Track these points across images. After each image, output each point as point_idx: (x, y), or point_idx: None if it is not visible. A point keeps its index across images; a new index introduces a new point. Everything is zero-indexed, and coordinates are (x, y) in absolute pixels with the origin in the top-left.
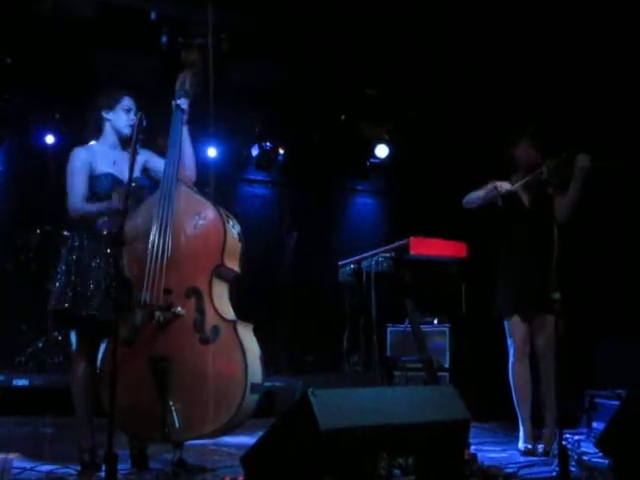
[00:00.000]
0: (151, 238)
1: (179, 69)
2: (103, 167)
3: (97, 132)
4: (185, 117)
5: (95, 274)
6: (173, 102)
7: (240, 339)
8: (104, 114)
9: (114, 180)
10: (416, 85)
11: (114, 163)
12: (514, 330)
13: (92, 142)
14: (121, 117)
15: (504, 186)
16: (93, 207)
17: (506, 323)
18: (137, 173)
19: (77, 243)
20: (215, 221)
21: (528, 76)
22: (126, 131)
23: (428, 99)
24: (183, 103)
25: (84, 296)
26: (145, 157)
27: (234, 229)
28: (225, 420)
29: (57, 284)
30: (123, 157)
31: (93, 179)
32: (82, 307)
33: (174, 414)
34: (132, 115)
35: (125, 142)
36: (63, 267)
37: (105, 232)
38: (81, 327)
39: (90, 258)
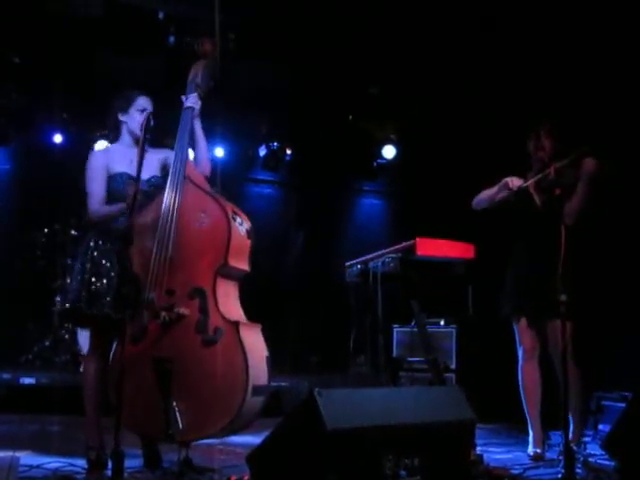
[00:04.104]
0: (156, 236)
1: (192, 61)
2: (119, 167)
3: (116, 135)
4: (195, 112)
5: (108, 273)
6: (182, 97)
7: (242, 341)
8: (120, 117)
9: (129, 179)
10: (423, 84)
11: (130, 162)
12: (522, 334)
13: (110, 144)
14: (135, 118)
15: (515, 182)
16: (110, 209)
17: (515, 326)
18: (156, 172)
19: (92, 243)
20: (218, 218)
21: (538, 73)
22: (139, 131)
23: (435, 99)
24: (193, 97)
25: (97, 295)
26: (164, 155)
27: (242, 226)
28: (226, 422)
29: (73, 282)
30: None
31: (109, 179)
32: (95, 305)
33: (177, 415)
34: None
35: (138, 140)
36: (78, 266)
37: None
38: (94, 325)
39: (104, 257)
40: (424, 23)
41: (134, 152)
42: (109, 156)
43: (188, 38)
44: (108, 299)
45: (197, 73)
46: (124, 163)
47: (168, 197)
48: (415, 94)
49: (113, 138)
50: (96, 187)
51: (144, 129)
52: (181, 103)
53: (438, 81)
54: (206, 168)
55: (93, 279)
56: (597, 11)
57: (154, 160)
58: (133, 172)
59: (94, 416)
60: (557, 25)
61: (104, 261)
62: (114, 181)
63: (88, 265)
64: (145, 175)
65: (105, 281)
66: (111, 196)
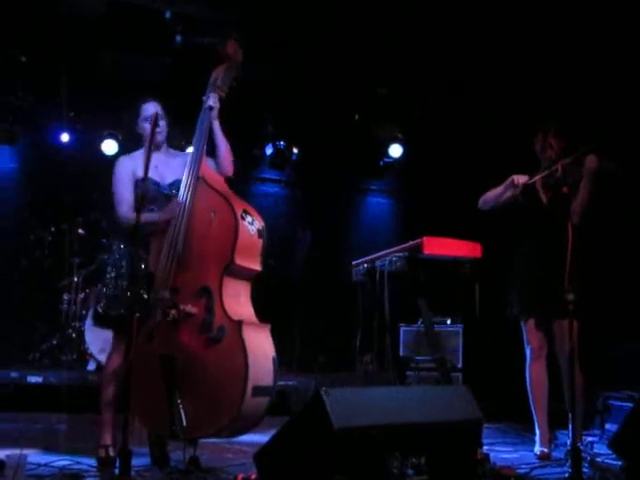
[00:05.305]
0: (168, 235)
1: (211, 63)
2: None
3: (141, 143)
4: (214, 113)
5: (125, 274)
6: (203, 97)
7: (244, 340)
8: (137, 129)
9: (153, 183)
10: (429, 84)
11: (155, 167)
12: (530, 333)
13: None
14: (146, 128)
15: (521, 179)
16: (141, 218)
17: (522, 326)
18: (181, 176)
19: (115, 248)
20: (226, 217)
21: (544, 73)
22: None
23: (441, 98)
24: (213, 98)
25: (115, 297)
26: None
27: (252, 225)
28: (225, 422)
29: (100, 289)
30: (163, 160)
31: (135, 184)
32: (112, 307)
33: (181, 412)
34: (158, 120)
35: (159, 145)
36: (104, 272)
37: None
38: (115, 326)
39: (124, 259)
40: (430, 23)
41: (159, 156)
42: (135, 162)
43: (195, 38)
44: (124, 300)
45: (219, 75)
46: (149, 168)
47: (181, 196)
48: (421, 93)
49: (139, 146)
50: (124, 192)
51: (151, 131)
52: (200, 103)
53: (444, 81)
54: (229, 168)
55: (113, 282)
56: (600, 10)
57: (178, 164)
58: (157, 176)
59: (108, 413)
60: (560, 25)
61: (124, 264)
62: (139, 186)
63: (109, 269)
64: (169, 179)
65: (123, 282)
66: (137, 200)
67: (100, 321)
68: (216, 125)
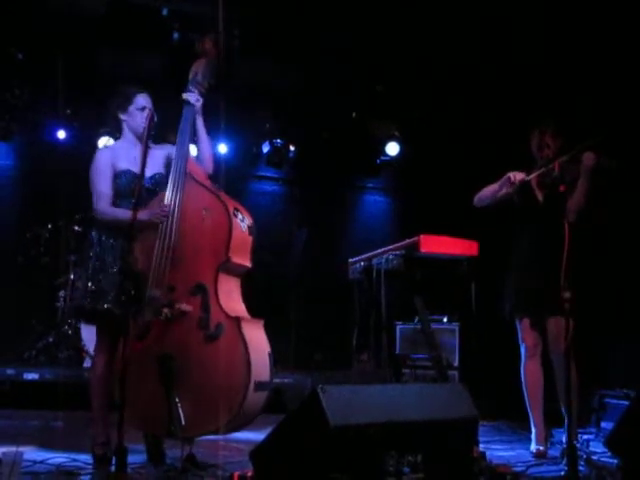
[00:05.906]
0: (159, 234)
1: (193, 59)
2: (124, 164)
3: (118, 132)
4: (197, 108)
5: (110, 269)
6: (183, 94)
7: (244, 337)
8: (120, 115)
9: (133, 177)
10: (426, 82)
11: (135, 159)
12: (525, 332)
13: (114, 141)
14: (135, 117)
15: (518, 176)
16: (117, 213)
17: (517, 324)
18: (161, 168)
19: (96, 239)
20: (220, 215)
21: (540, 71)
22: (141, 130)
23: (438, 96)
24: (194, 94)
25: (100, 291)
26: (169, 152)
27: (243, 223)
28: (227, 418)
29: (80, 281)
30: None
31: (114, 176)
32: (98, 302)
33: (179, 411)
34: (147, 112)
35: (142, 138)
36: (84, 264)
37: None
38: (99, 321)
39: (107, 253)
40: (428, 22)
41: (137, 149)
42: (114, 154)
43: (191, 35)
44: (111, 295)
45: (198, 71)
46: (128, 160)
47: (170, 194)
48: (418, 91)
49: (115, 136)
50: (103, 186)
51: (147, 128)
52: (183, 100)
53: (441, 78)
54: (209, 165)
55: (96, 275)
56: (597, 9)
57: (159, 156)
58: (137, 169)
59: (100, 412)
60: (558, 24)
61: (107, 257)
62: (119, 178)
63: (91, 262)
64: (149, 172)
65: (108, 277)
66: (116, 193)
67: (85, 316)
68: (200, 122)
